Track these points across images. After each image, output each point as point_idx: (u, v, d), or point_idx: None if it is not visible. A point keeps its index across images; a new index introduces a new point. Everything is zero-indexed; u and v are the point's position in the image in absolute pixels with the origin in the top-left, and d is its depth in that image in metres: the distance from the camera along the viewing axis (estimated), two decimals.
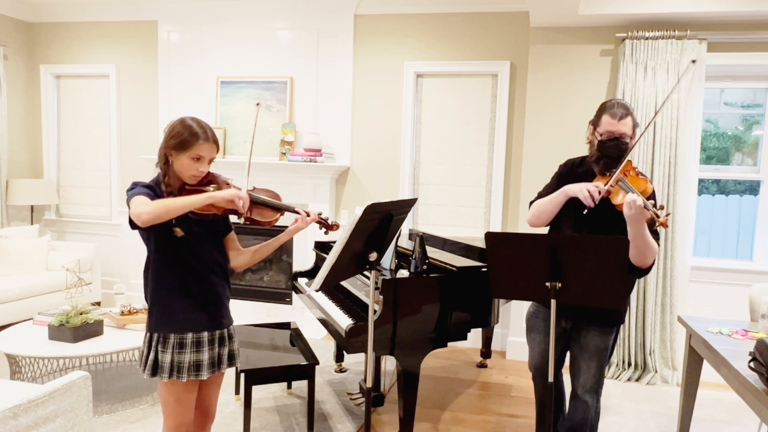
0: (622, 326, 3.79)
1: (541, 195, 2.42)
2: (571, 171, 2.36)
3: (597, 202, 2.08)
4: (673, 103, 3.77)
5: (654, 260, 2.16)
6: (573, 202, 2.21)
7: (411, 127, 4.65)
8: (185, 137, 1.81)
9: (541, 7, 3.67)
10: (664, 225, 1.89)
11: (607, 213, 2.11)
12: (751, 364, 2.01)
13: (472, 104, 4.55)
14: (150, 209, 1.66)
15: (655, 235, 2.12)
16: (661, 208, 1.95)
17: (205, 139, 1.83)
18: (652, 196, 2.11)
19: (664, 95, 3.75)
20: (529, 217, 2.40)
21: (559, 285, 1.98)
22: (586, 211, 2.10)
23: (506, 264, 2.07)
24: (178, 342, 1.85)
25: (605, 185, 2.10)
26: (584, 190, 2.10)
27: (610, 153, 2.17)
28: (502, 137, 4.43)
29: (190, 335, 1.86)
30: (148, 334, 1.88)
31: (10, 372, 3.17)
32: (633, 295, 3.87)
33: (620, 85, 3.85)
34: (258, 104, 2.25)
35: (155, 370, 1.85)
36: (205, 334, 1.89)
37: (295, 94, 4.85)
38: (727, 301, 3.99)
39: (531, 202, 2.45)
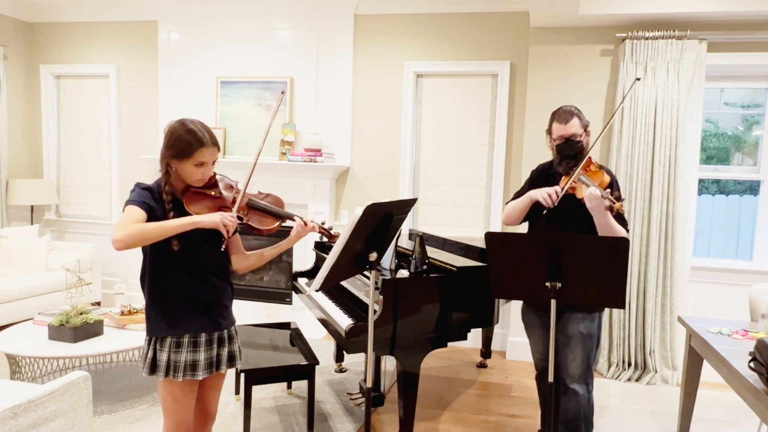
0: (620, 319, 3.87)
1: (515, 196, 2.67)
2: (541, 175, 2.58)
3: (555, 203, 2.30)
4: (673, 103, 3.77)
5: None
6: (539, 203, 2.44)
7: (411, 127, 4.65)
8: (184, 146, 1.78)
9: (541, 7, 3.67)
10: (620, 210, 2.10)
11: (573, 207, 2.32)
12: (751, 364, 2.01)
13: (472, 104, 4.55)
14: (122, 236, 1.63)
15: (621, 220, 2.31)
16: (617, 196, 2.15)
17: (206, 144, 1.80)
18: (610, 185, 2.32)
19: (664, 95, 3.76)
20: (503, 217, 2.67)
21: (559, 285, 1.99)
22: (545, 211, 2.33)
23: (506, 264, 2.08)
24: (175, 342, 1.84)
25: (566, 184, 2.30)
26: (544, 194, 2.34)
27: (566, 153, 2.39)
28: (502, 137, 4.43)
29: (187, 336, 1.85)
30: (147, 335, 1.89)
31: (10, 372, 3.18)
32: (633, 295, 3.88)
33: (620, 85, 3.85)
34: (282, 92, 2.25)
35: (153, 368, 1.86)
36: (203, 335, 1.88)
37: (295, 94, 4.85)
38: (727, 301, 3.98)
39: (506, 203, 2.70)
